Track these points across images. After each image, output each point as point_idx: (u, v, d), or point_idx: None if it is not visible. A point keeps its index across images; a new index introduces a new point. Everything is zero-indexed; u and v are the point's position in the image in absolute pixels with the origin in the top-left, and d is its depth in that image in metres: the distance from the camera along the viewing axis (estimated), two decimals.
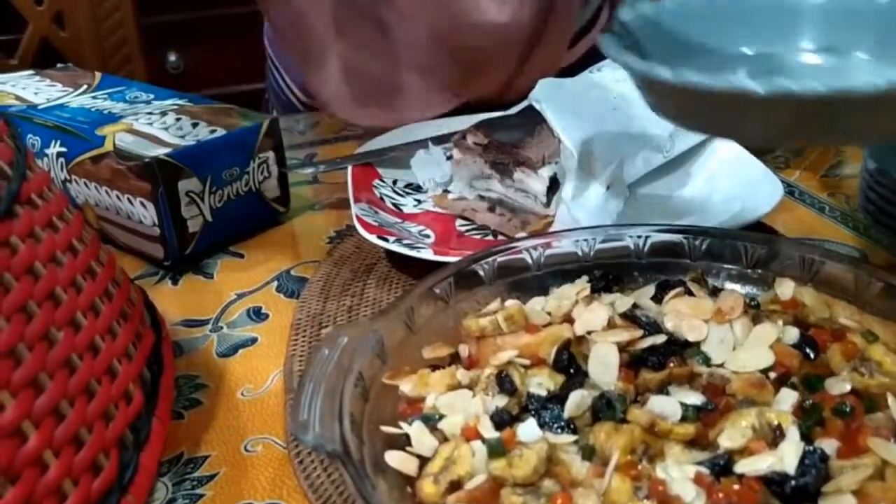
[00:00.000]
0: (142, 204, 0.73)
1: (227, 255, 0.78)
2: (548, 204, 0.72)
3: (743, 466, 0.41)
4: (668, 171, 0.81)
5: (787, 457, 0.41)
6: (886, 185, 0.66)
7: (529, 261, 0.59)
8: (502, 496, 0.42)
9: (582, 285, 0.57)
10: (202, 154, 0.74)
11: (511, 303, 0.55)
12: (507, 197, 0.74)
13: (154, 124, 0.78)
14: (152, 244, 0.74)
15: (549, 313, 0.54)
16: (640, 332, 0.50)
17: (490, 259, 0.58)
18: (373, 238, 0.68)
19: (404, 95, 0.98)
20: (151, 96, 0.86)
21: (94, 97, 0.87)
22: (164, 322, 0.64)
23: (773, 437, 0.43)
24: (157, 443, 0.53)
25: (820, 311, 0.53)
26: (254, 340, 0.66)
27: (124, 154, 0.73)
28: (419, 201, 0.81)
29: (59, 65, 1.03)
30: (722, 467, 0.42)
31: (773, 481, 0.40)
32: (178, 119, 0.79)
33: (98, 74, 0.94)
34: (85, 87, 0.90)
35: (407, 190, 0.82)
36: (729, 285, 0.58)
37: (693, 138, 0.81)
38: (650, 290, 0.56)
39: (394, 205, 0.79)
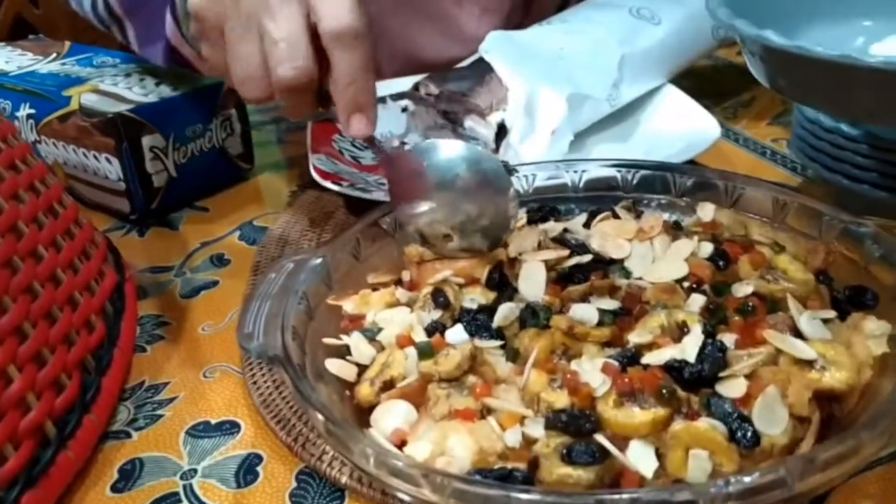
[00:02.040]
0: (107, 160, 0.76)
1: (192, 210, 0.81)
2: (497, 150, 0.76)
3: (648, 358, 0.45)
4: (616, 121, 0.84)
5: (688, 348, 0.45)
6: (815, 122, 0.69)
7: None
8: (429, 390, 0.45)
9: (520, 216, 0.60)
10: (165, 110, 0.77)
11: None
12: None
13: (119, 84, 0.81)
14: (118, 199, 0.77)
15: None
16: (566, 252, 0.54)
17: None
18: (327, 183, 0.71)
19: None
20: (118, 60, 0.89)
21: (62, 63, 0.90)
22: (129, 265, 0.67)
23: (680, 334, 0.47)
24: (118, 370, 0.56)
25: (736, 229, 0.57)
26: (215, 283, 0.69)
27: (89, 111, 0.76)
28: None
29: (31, 36, 1.05)
30: (629, 359, 0.45)
31: (673, 368, 0.44)
32: (142, 79, 0.82)
33: (68, 43, 0.97)
34: (54, 55, 0.93)
35: (365, 144, 0.85)
36: (648, 212, 0.61)
37: (639, 87, 0.85)
38: (582, 218, 0.60)
39: (352, 157, 0.82)
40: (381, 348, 0.50)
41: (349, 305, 0.53)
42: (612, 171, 0.63)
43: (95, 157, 0.77)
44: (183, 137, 0.79)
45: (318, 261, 0.54)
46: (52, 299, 0.52)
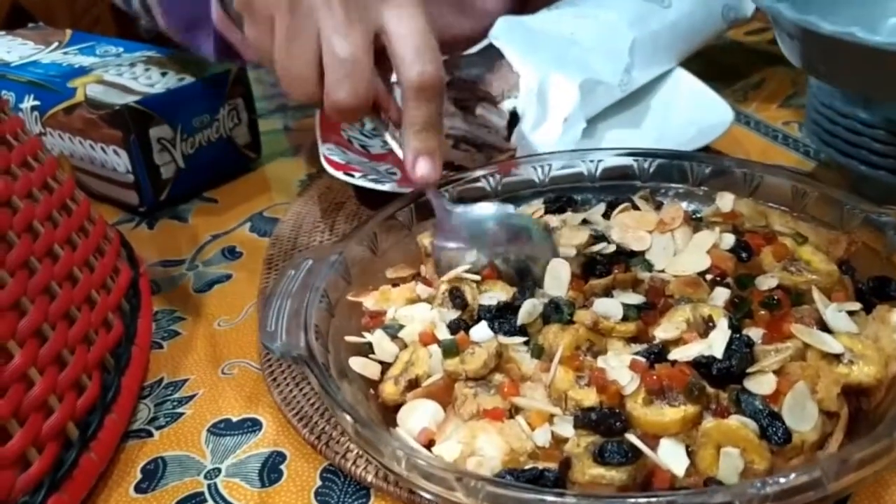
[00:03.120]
0: (115, 152, 0.75)
1: (201, 201, 0.80)
2: (509, 138, 0.75)
3: (675, 354, 0.45)
4: (627, 106, 0.84)
5: (715, 343, 0.44)
6: (831, 106, 0.69)
7: (488, 188, 0.62)
8: (455, 389, 0.45)
9: (537, 206, 0.60)
10: (172, 101, 0.76)
11: None
12: (470, 133, 0.77)
13: (124, 75, 0.80)
14: (127, 191, 0.77)
15: None
16: (587, 234, 0.54)
17: (449, 187, 0.61)
18: (339, 175, 0.70)
19: None
20: (121, 49, 0.88)
21: (65, 53, 0.88)
22: (142, 260, 0.66)
23: (705, 328, 0.46)
24: (137, 367, 0.56)
25: (756, 219, 0.56)
26: (228, 277, 0.68)
27: (95, 103, 0.75)
28: (387, 142, 0.83)
29: (30, 24, 1.04)
30: (656, 355, 0.45)
31: (701, 364, 0.44)
32: (147, 69, 0.80)
33: (69, 32, 0.96)
34: (56, 44, 0.92)
35: (375, 132, 0.84)
36: (668, 203, 0.61)
37: (650, 72, 0.84)
38: (601, 208, 0.59)
39: (361, 146, 0.81)
40: (403, 346, 0.50)
41: (369, 302, 0.53)
42: (628, 160, 0.62)
43: (103, 149, 0.76)
44: (190, 128, 0.78)
45: (336, 256, 0.54)
46: (70, 299, 0.52)
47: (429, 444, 0.44)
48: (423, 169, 0.55)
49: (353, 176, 0.70)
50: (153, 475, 0.49)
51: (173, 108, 0.76)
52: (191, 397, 0.55)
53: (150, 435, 0.52)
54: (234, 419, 0.53)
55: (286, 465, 0.49)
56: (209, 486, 0.48)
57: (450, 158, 0.79)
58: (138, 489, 0.49)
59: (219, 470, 0.49)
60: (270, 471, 0.49)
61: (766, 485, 0.36)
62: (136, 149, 0.74)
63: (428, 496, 0.40)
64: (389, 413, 0.47)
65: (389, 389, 0.47)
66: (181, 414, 0.54)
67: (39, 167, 0.56)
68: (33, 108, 0.80)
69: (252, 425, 0.53)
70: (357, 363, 0.48)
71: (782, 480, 0.36)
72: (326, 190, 0.78)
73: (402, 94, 0.55)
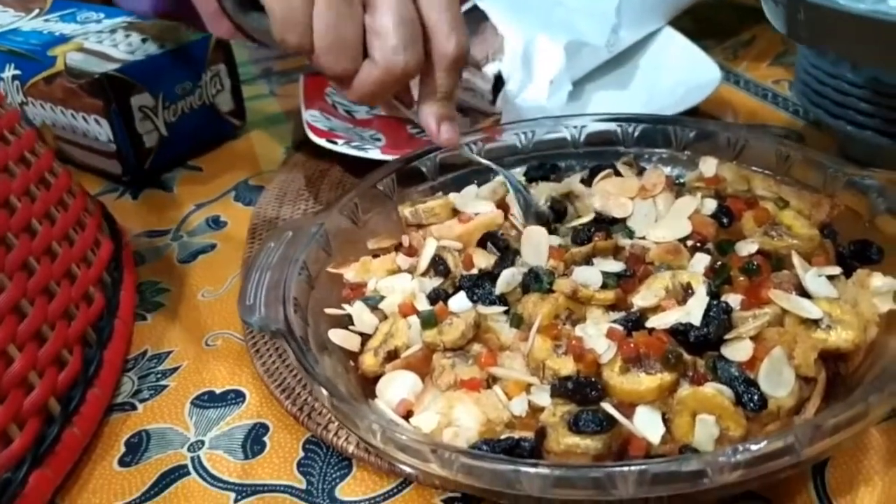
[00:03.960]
0: (96, 121, 0.74)
1: (185, 170, 0.80)
2: (494, 102, 0.74)
3: (653, 321, 0.45)
4: (615, 67, 0.83)
5: (693, 311, 0.44)
6: (819, 67, 0.68)
7: (470, 154, 0.62)
8: (434, 360, 0.45)
9: (520, 173, 0.59)
10: (152, 68, 0.75)
11: (440, 198, 0.58)
12: None
13: (104, 42, 0.78)
14: (109, 161, 0.76)
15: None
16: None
17: (431, 155, 0.61)
18: (322, 142, 0.70)
19: None
20: (102, 15, 0.86)
21: (45, 20, 0.87)
22: (125, 231, 0.66)
23: (684, 295, 0.46)
24: (120, 341, 0.56)
25: (739, 184, 0.56)
26: (213, 247, 0.68)
27: (75, 72, 0.74)
28: (372, 107, 0.82)
29: None
30: (634, 323, 0.45)
31: (679, 332, 0.44)
32: (127, 36, 0.79)
33: None
34: (37, 11, 0.90)
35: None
36: (650, 168, 0.60)
37: (638, 31, 0.83)
38: (580, 175, 0.59)
39: (346, 111, 0.80)
40: (383, 317, 0.50)
41: (350, 274, 0.53)
42: (612, 126, 0.62)
43: (84, 118, 0.75)
44: (172, 95, 0.77)
45: (317, 228, 0.53)
46: (49, 274, 0.51)
47: (407, 415, 0.44)
48: (448, 132, 0.56)
49: (336, 143, 0.70)
50: (137, 448, 0.50)
51: (154, 76, 0.75)
52: (174, 369, 0.55)
53: (134, 408, 0.53)
54: (218, 391, 0.53)
55: (269, 436, 0.50)
56: (192, 459, 0.49)
57: None
58: (122, 463, 0.49)
59: (202, 442, 0.50)
60: (254, 442, 0.49)
61: (737, 452, 0.36)
62: (118, 117, 0.73)
63: (405, 468, 0.40)
64: (369, 385, 0.47)
65: (369, 361, 0.47)
66: (165, 386, 0.54)
67: (16, 140, 0.56)
68: (14, 77, 0.79)
69: (235, 397, 0.53)
70: (337, 335, 0.48)
71: (754, 447, 0.36)
72: (311, 157, 0.77)
73: (434, 65, 0.54)
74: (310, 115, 0.74)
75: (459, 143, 0.58)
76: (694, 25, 0.86)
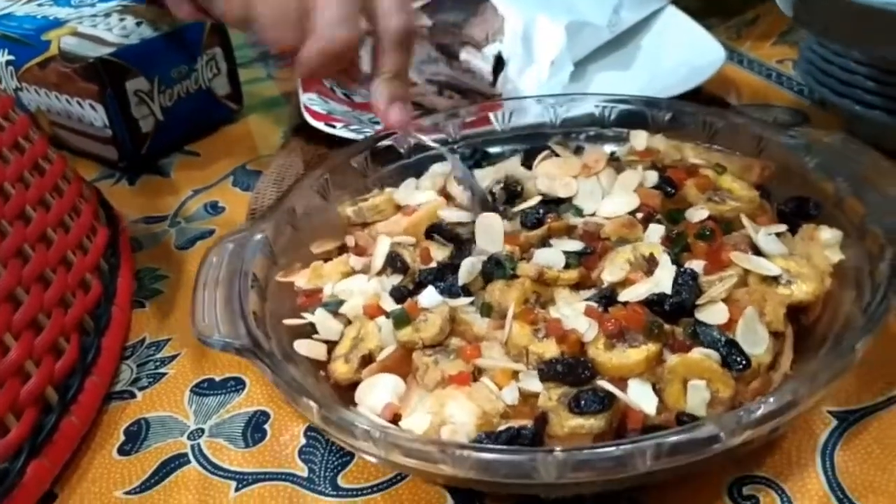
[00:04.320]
0: (91, 106, 0.73)
1: (182, 155, 0.79)
2: (494, 83, 0.73)
3: (626, 295, 0.45)
4: (617, 47, 0.81)
5: (662, 280, 0.45)
6: (824, 45, 0.67)
7: (401, 149, 0.61)
8: (414, 359, 0.44)
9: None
10: (147, 52, 0.74)
11: (380, 193, 0.57)
12: (454, 79, 0.75)
13: (98, 26, 0.77)
14: (105, 146, 0.75)
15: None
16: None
17: (363, 151, 0.59)
18: (320, 125, 0.69)
19: None
20: None
21: (39, 5, 0.86)
22: (121, 218, 0.65)
23: (648, 266, 0.46)
24: (118, 328, 0.55)
25: (672, 154, 0.56)
26: (211, 232, 0.67)
27: (69, 56, 0.73)
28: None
29: None
30: (608, 298, 0.45)
31: (653, 302, 0.44)
32: (121, 19, 0.78)
33: None
34: None
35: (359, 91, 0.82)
36: (589, 146, 0.60)
37: (639, 11, 0.82)
38: (516, 159, 0.59)
39: (344, 94, 0.79)
40: (347, 322, 0.48)
41: (301, 280, 0.51)
42: (538, 109, 0.61)
43: (79, 103, 0.74)
44: (168, 79, 0.76)
45: (259, 236, 0.51)
46: (45, 261, 0.51)
47: (394, 420, 0.42)
48: (397, 113, 0.55)
49: (334, 126, 0.69)
50: (136, 437, 0.49)
51: (149, 60, 0.74)
52: (173, 357, 0.55)
53: (133, 396, 0.52)
54: (218, 379, 0.53)
55: (270, 424, 0.49)
56: (192, 447, 0.48)
57: (434, 105, 0.77)
58: (121, 451, 0.48)
59: (202, 430, 0.49)
60: (254, 430, 0.49)
61: (751, 411, 0.36)
62: (113, 102, 0.72)
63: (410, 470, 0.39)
64: (343, 393, 0.45)
65: (341, 369, 0.45)
66: (164, 374, 0.53)
67: (10, 126, 0.55)
68: (8, 62, 0.78)
69: (235, 384, 0.52)
70: (302, 346, 0.46)
71: (771, 400, 0.36)
72: (310, 141, 0.76)
73: (380, 43, 0.55)
74: (308, 99, 0.73)
75: (408, 124, 0.57)
76: (697, 4, 0.85)
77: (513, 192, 0.55)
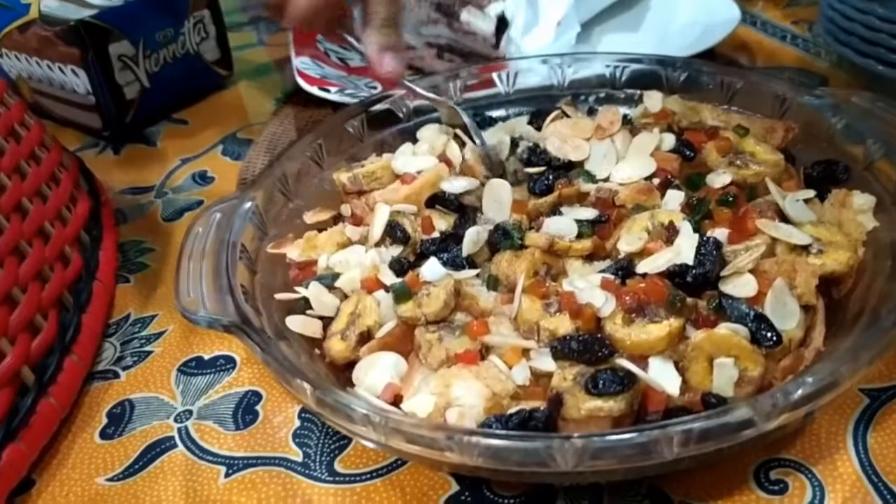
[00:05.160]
0: (73, 72, 0.69)
1: (170, 123, 0.75)
2: (497, 45, 0.69)
3: (644, 266, 0.41)
4: (626, 7, 0.78)
5: (683, 250, 0.41)
6: (847, 2, 0.63)
7: (400, 114, 0.57)
8: (417, 335, 0.41)
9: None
10: (131, 14, 0.70)
11: (377, 159, 0.53)
12: (455, 41, 0.71)
13: None
14: (89, 114, 0.72)
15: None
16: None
17: (359, 114, 0.56)
18: (314, 90, 0.65)
19: None
20: None
21: None
22: (105, 188, 0.62)
23: (668, 235, 0.43)
24: (100, 304, 0.52)
25: (689, 116, 0.53)
26: (199, 203, 0.64)
27: (50, 19, 0.69)
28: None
29: None
30: (625, 270, 0.42)
31: (675, 274, 0.40)
32: None
33: None
34: None
35: (355, 44, 0.79)
36: (602, 108, 0.56)
37: None
38: (523, 119, 0.55)
39: (339, 59, 0.75)
40: (343, 296, 0.45)
41: (294, 252, 0.48)
42: (544, 69, 0.58)
43: (61, 69, 0.70)
44: (153, 43, 0.72)
45: (248, 205, 0.48)
46: (20, 233, 0.47)
47: (395, 402, 0.39)
48: (390, 64, 0.53)
49: (328, 91, 0.65)
50: (120, 419, 0.46)
51: (133, 22, 0.70)
52: (159, 334, 0.52)
53: (117, 376, 0.49)
54: (206, 357, 0.50)
55: (262, 405, 0.46)
56: (180, 430, 0.45)
57: (434, 69, 0.74)
58: (104, 435, 0.45)
59: (190, 412, 0.46)
60: (245, 412, 0.46)
61: (788, 393, 0.33)
62: (96, 67, 0.69)
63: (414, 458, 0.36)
64: (339, 373, 0.42)
65: (338, 346, 0.42)
66: (149, 353, 0.50)
67: None
68: None
69: (225, 363, 0.49)
70: (295, 322, 0.43)
71: (809, 380, 0.33)
72: (303, 107, 0.73)
73: None
74: (300, 63, 0.70)
75: (402, 75, 0.54)
76: None
77: (540, 155, 0.51)
